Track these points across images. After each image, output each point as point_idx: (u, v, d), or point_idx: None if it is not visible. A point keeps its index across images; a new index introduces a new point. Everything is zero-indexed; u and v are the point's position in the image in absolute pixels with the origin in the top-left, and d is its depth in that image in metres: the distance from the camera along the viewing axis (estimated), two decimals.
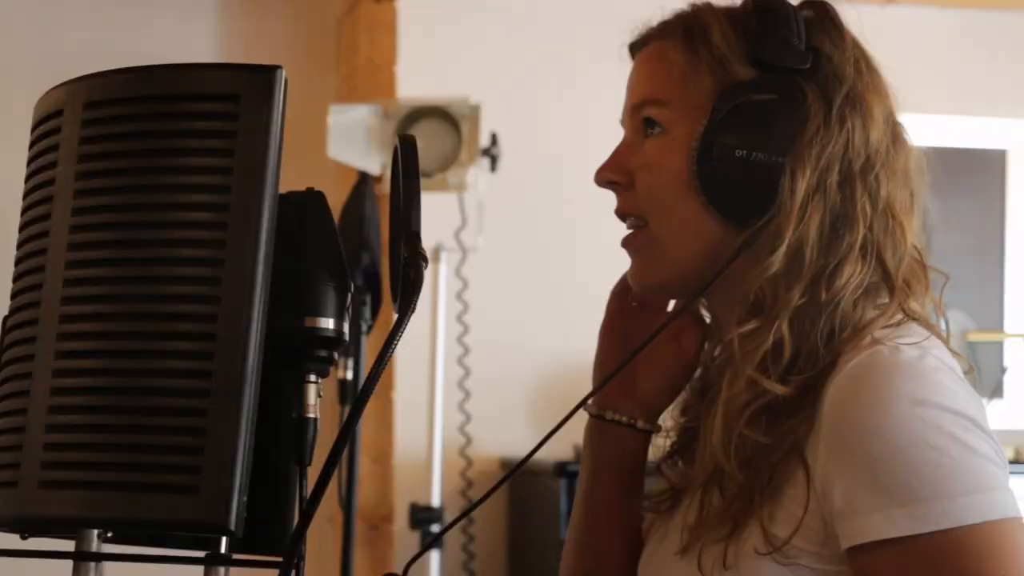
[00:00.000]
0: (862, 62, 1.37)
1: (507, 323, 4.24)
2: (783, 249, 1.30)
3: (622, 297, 1.48)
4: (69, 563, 1.15)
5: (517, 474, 4.38)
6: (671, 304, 1.48)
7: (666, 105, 1.38)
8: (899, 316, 1.32)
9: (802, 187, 1.31)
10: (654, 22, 1.42)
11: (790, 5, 1.37)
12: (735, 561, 1.29)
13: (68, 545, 1.16)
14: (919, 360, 1.27)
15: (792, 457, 1.28)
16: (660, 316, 1.47)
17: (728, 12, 1.39)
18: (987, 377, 4.56)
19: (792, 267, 1.31)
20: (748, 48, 1.35)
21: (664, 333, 1.43)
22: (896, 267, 1.34)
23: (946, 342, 1.35)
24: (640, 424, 1.46)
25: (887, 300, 1.33)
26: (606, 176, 1.41)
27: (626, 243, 1.42)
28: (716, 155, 1.33)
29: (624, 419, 1.46)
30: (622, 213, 1.42)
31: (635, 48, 1.44)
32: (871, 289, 1.33)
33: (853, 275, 1.31)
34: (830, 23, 1.38)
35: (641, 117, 1.40)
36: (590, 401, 1.47)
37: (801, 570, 1.27)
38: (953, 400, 1.25)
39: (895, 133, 1.38)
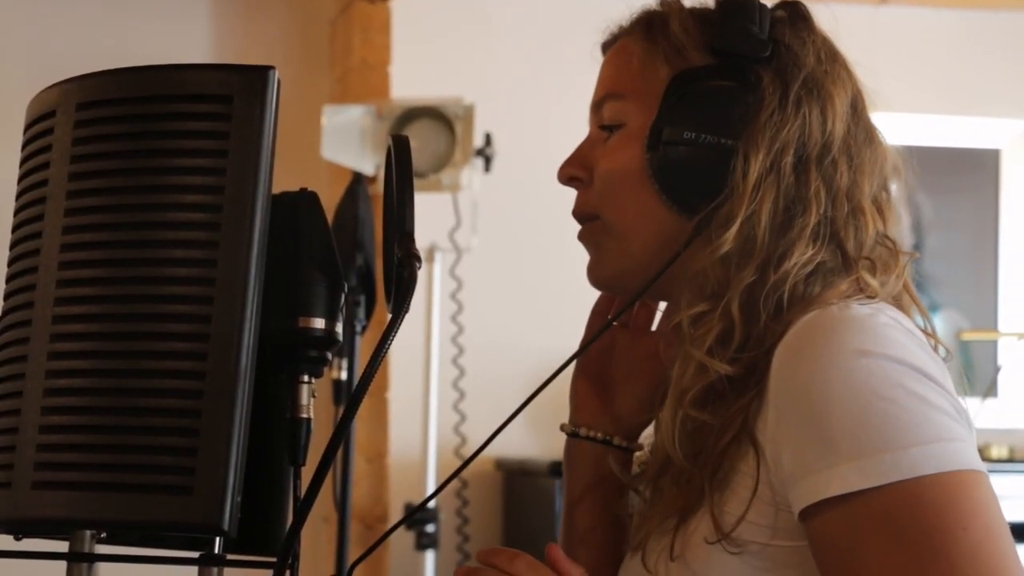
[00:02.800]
0: (825, 52, 1.35)
1: (502, 323, 4.24)
2: (734, 229, 1.27)
3: (602, 318, 1.45)
4: (63, 564, 1.15)
5: (512, 474, 4.35)
6: (655, 324, 1.45)
7: (624, 97, 1.36)
8: (853, 290, 1.27)
9: (755, 169, 1.28)
10: (624, 21, 1.41)
11: (758, 2, 1.35)
12: (682, 552, 1.24)
13: (62, 546, 1.16)
14: (869, 316, 1.21)
15: (742, 438, 1.23)
16: (641, 337, 1.44)
17: (694, 8, 1.37)
18: (981, 376, 4.57)
19: (744, 248, 1.28)
20: (707, 37, 1.34)
21: (643, 350, 1.41)
22: (856, 252, 1.30)
23: (932, 336, 1.30)
24: (617, 441, 1.42)
25: (844, 278, 1.29)
26: (567, 172, 1.39)
27: (581, 236, 1.39)
28: (665, 139, 1.31)
29: (599, 436, 1.42)
30: (579, 214, 1.39)
31: (606, 48, 1.43)
32: (827, 271, 1.29)
33: (804, 255, 1.27)
34: (799, 20, 1.36)
35: (602, 113, 1.38)
36: (567, 420, 1.44)
37: (751, 558, 1.22)
38: (905, 353, 1.19)
39: (868, 132, 1.36)
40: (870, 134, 1.36)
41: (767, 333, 1.26)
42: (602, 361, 1.44)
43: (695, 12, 1.36)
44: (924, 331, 1.30)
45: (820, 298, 1.26)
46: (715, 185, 1.29)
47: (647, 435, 1.44)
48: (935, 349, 1.28)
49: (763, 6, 1.35)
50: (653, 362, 1.41)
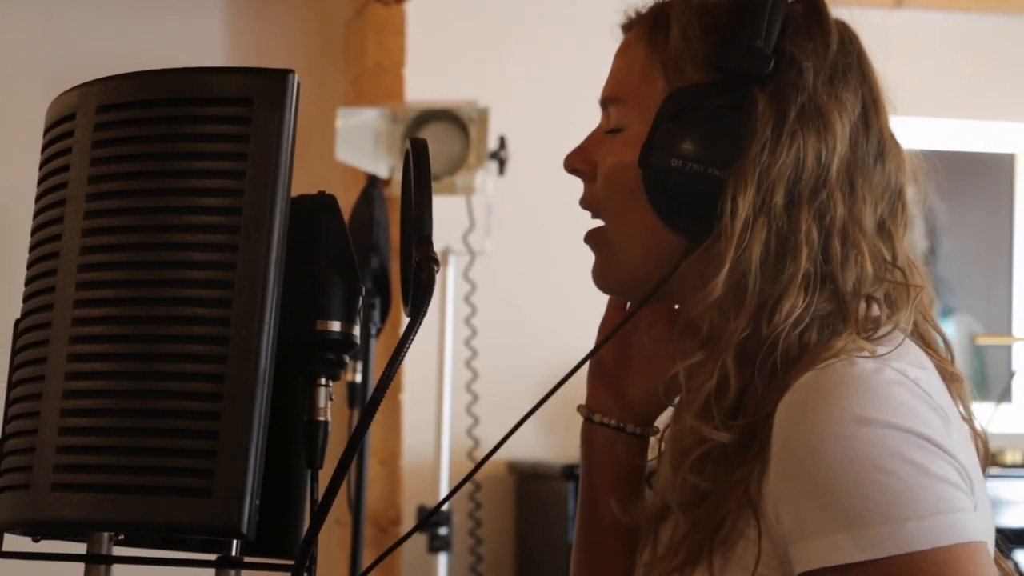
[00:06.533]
0: (833, 71, 1.29)
1: (515, 325, 4.24)
2: (724, 273, 1.23)
3: (620, 311, 1.44)
4: (80, 565, 1.15)
5: (524, 477, 4.33)
6: (670, 302, 1.43)
7: (625, 103, 1.34)
8: (854, 344, 1.23)
9: (743, 208, 1.23)
10: (642, 6, 1.37)
11: (770, 4, 1.29)
12: None
13: (79, 547, 1.16)
14: (874, 374, 1.19)
15: (743, 505, 1.22)
16: (659, 315, 1.41)
17: (703, 3, 1.32)
18: (995, 381, 4.56)
19: (735, 294, 1.24)
20: (708, 48, 1.29)
21: (663, 337, 1.39)
22: (854, 292, 1.26)
23: (943, 362, 1.29)
24: (630, 428, 1.40)
25: (843, 329, 1.24)
26: (572, 164, 1.37)
27: (587, 239, 1.38)
28: (654, 161, 1.27)
29: (613, 422, 1.41)
30: (584, 203, 1.37)
31: (624, 31, 1.39)
32: (822, 318, 1.25)
33: (794, 308, 1.23)
34: (815, 22, 1.31)
35: (608, 112, 1.36)
36: (584, 401, 1.43)
37: None
38: (907, 417, 1.17)
39: (880, 145, 1.31)
40: (882, 147, 1.31)
41: (765, 400, 1.23)
42: (620, 343, 1.42)
43: (703, 13, 1.32)
44: (940, 355, 1.28)
45: (819, 353, 1.22)
46: (703, 214, 1.26)
47: (664, 419, 1.42)
48: (949, 378, 1.27)
49: (777, 7, 1.29)
50: (670, 348, 1.39)
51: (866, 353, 1.21)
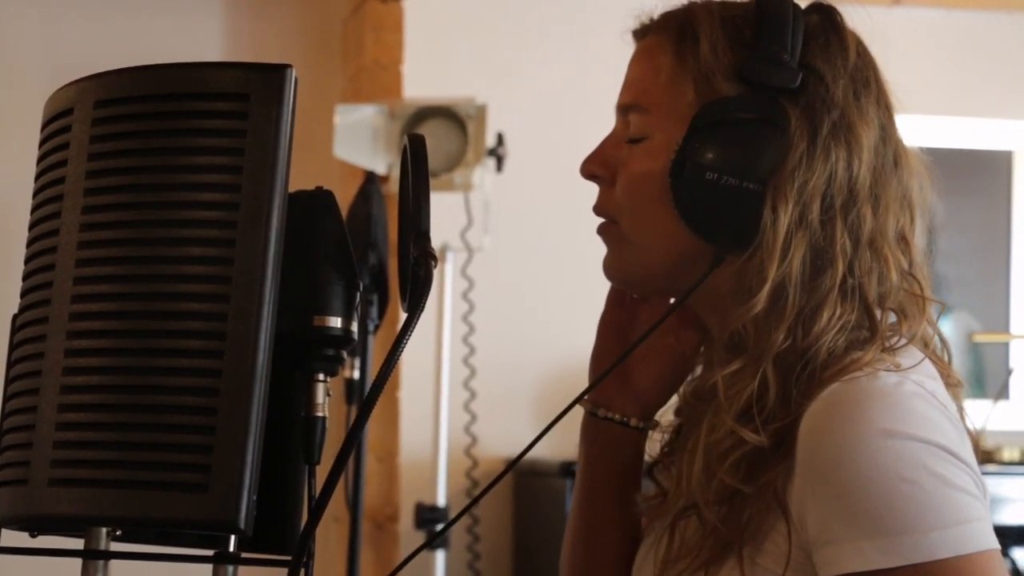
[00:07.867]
0: (855, 84, 1.32)
1: (513, 323, 4.24)
2: (767, 288, 1.27)
3: (617, 307, 1.46)
4: (77, 561, 1.15)
5: (522, 474, 4.35)
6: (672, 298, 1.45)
7: (649, 111, 1.35)
8: (879, 357, 1.27)
9: (784, 221, 1.27)
10: (656, 11, 1.39)
11: (793, 9, 1.32)
12: None
13: (77, 543, 1.16)
14: (896, 387, 1.23)
15: (773, 507, 1.25)
16: (659, 310, 1.43)
17: (726, 14, 1.34)
18: (993, 378, 4.56)
19: (776, 306, 1.28)
20: (736, 61, 1.31)
21: (663, 329, 1.40)
22: (879, 306, 1.30)
23: (945, 368, 1.33)
24: (633, 422, 1.43)
25: (869, 339, 1.29)
26: (590, 169, 1.39)
27: (600, 231, 1.39)
28: (688, 174, 1.29)
29: (616, 416, 1.43)
30: (599, 212, 1.39)
31: (637, 36, 1.40)
32: (850, 328, 1.29)
33: (833, 317, 1.28)
34: (833, 34, 1.33)
35: (628, 120, 1.37)
36: (586, 396, 1.44)
37: None
38: (929, 430, 1.22)
39: (896, 154, 1.34)
40: (897, 157, 1.34)
41: (794, 405, 1.26)
42: (622, 338, 1.44)
43: (728, 25, 1.33)
44: (942, 361, 1.32)
45: (847, 364, 1.26)
46: (736, 227, 1.29)
47: (664, 412, 1.45)
48: (951, 381, 1.31)
49: (797, 19, 1.32)
50: (672, 343, 1.42)
51: (891, 366, 1.25)
